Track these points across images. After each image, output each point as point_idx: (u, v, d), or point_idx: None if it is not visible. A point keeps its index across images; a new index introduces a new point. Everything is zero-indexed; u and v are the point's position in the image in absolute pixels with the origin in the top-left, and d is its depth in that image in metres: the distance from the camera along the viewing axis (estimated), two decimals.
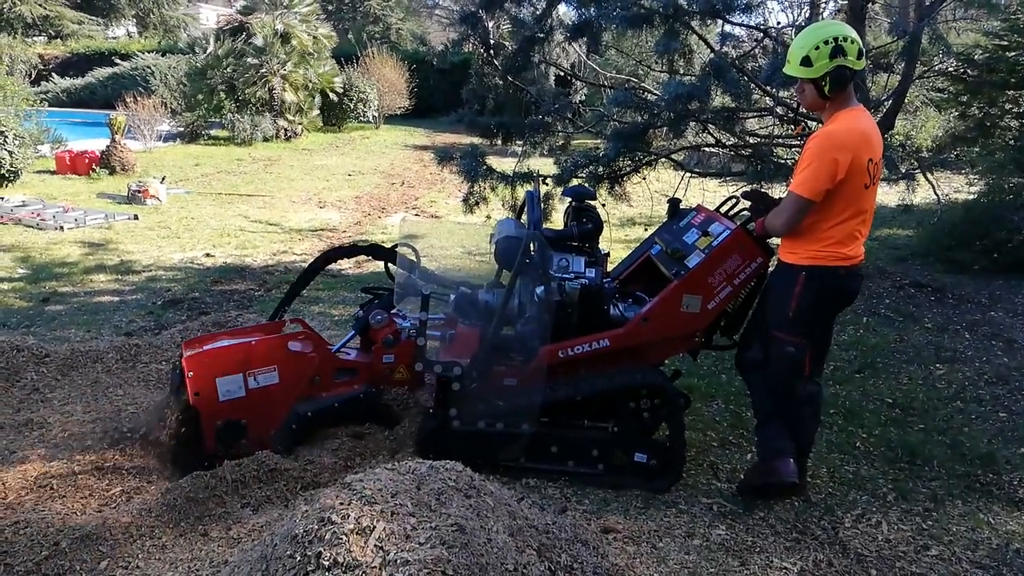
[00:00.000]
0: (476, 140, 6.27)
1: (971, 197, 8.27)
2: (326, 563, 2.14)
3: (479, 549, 2.26)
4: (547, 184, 5.44)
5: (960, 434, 3.95)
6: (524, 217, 3.85)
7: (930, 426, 4.05)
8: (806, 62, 2.96)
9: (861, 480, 3.50)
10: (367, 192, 12.21)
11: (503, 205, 5.68)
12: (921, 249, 7.72)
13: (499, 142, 5.50)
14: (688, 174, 5.80)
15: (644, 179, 5.36)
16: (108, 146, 11.74)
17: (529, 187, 4.47)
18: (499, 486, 2.76)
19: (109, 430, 3.28)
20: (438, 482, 2.52)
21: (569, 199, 3.54)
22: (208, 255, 7.23)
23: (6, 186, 9.94)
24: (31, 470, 2.99)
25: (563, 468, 3.36)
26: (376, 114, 20.57)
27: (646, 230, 8.78)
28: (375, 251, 3.78)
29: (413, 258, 3.70)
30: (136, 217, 8.70)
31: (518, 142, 5.95)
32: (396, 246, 3.78)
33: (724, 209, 3.67)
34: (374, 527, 2.23)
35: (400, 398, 3.80)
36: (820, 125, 3.14)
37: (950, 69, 7.10)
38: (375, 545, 2.18)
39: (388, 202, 11.47)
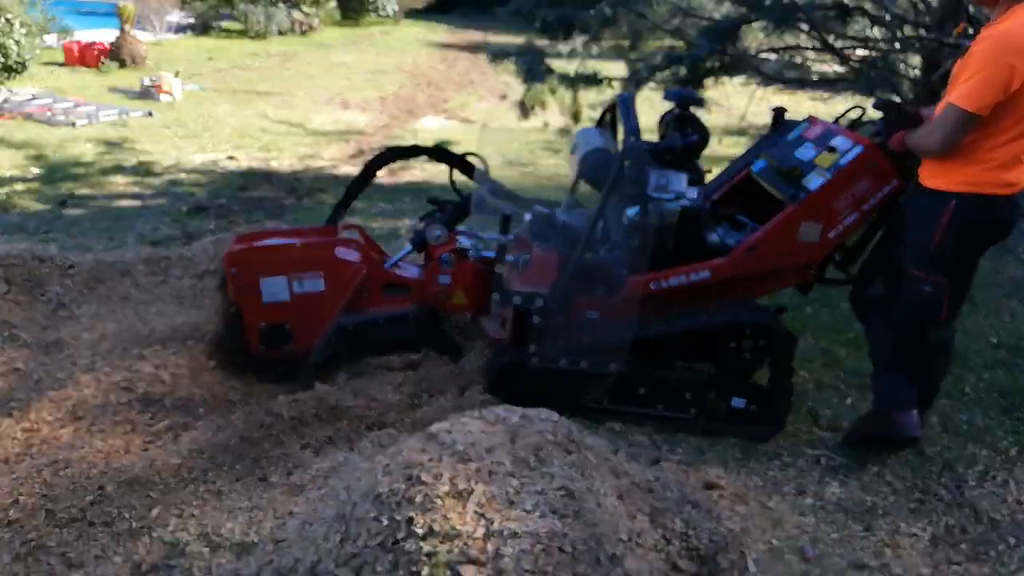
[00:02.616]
0: (508, 38, 5.67)
1: None
2: (419, 531, 1.82)
3: (591, 518, 1.93)
4: (612, 87, 4.89)
5: None
6: (613, 127, 3.38)
7: None
8: None
9: (977, 431, 3.16)
10: (392, 93, 11.55)
11: (561, 112, 5.14)
12: None
13: (560, 38, 4.89)
14: (764, 84, 5.21)
15: (723, 85, 4.79)
16: (118, 37, 11.04)
17: (614, 90, 3.94)
18: (596, 437, 2.42)
19: (147, 354, 2.94)
20: (534, 435, 2.17)
21: (673, 103, 3.04)
22: (231, 158, 6.75)
23: (14, 78, 9.34)
24: (64, 399, 2.68)
25: (651, 412, 3.02)
26: (396, 7, 19.45)
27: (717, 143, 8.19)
28: (440, 154, 3.32)
29: (483, 169, 3.26)
30: (151, 114, 8.18)
31: (570, 40, 5.32)
32: (466, 155, 3.33)
33: (843, 122, 3.18)
34: (472, 490, 1.90)
35: (463, 326, 3.44)
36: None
37: None
38: (475, 512, 1.86)
39: (416, 104, 10.83)
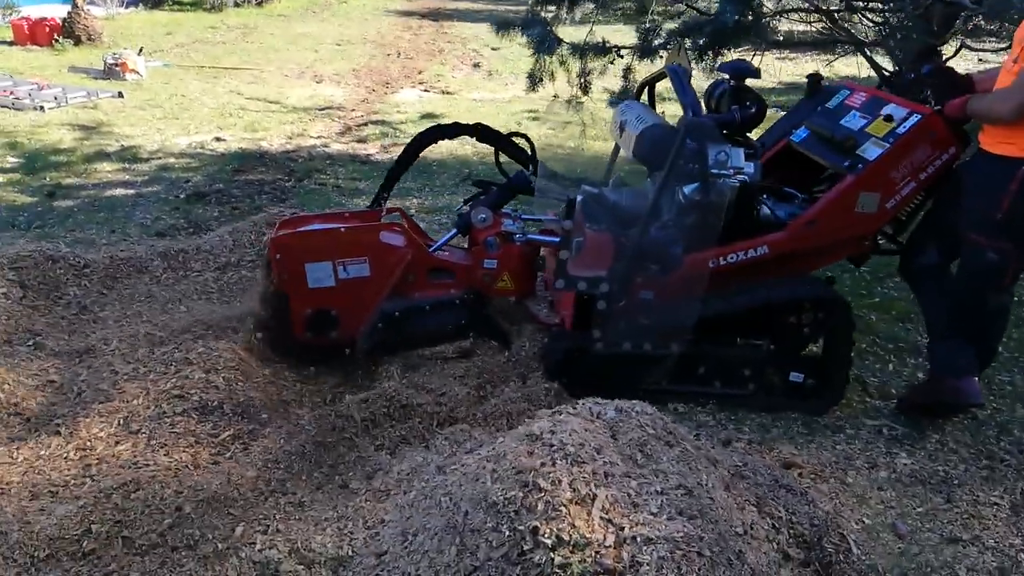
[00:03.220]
0: (468, 4, 5.48)
1: None
2: (547, 541, 1.75)
3: (713, 515, 1.89)
4: (622, 56, 4.77)
5: None
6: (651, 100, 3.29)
7: None
8: None
9: (1020, 392, 3.21)
10: (364, 65, 11.21)
11: (569, 82, 4.99)
12: None
13: (565, 6, 4.71)
14: (767, 50, 5.14)
15: (730, 51, 4.70)
16: (70, 12, 10.42)
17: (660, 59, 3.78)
18: (682, 426, 2.38)
19: (192, 357, 2.77)
20: (635, 430, 2.12)
21: (726, 76, 2.96)
22: (218, 139, 6.46)
23: None
24: (113, 412, 2.51)
25: (710, 390, 3.00)
26: None
27: None
28: (483, 134, 3.20)
29: (527, 148, 3.15)
30: (121, 95, 7.76)
31: (575, 8, 5.15)
32: (512, 135, 3.21)
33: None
34: (595, 495, 1.83)
35: (505, 310, 3.34)
36: None
37: None
38: (601, 518, 1.80)
39: (390, 76, 10.53)
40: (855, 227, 2.88)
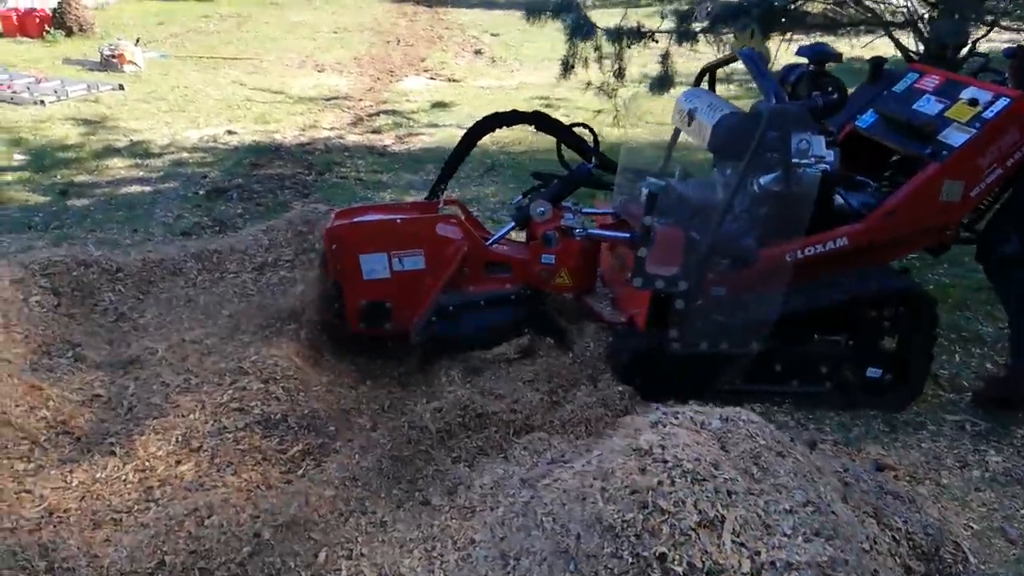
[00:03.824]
0: None
1: None
2: (678, 568, 1.62)
3: (843, 532, 1.77)
4: (656, 42, 4.61)
5: None
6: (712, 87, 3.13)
7: None
8: None
9: None
10: (364, 53, 10.96)
11: (601, 69, 4.82)
12: None
13: None
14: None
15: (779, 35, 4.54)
16: (60, 2, 10.10)
17: (736, 44, 3.63)
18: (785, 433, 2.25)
19: (247, 366, 2.61)
20: (745, 440, 1.99)
21: (806, 60, 2.81)
22: (230, 132, 6.25)
23: None
24: (170, 428, 2.35)
25: (787, 389, 2.88)
26: None
27: None
28: (543, 122, 3.05)
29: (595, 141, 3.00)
30: (122, 87, 7.51)
31: None
32: (574, 125, 3.05)
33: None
34: (723, 516, 1.70)
35: (564, 307, 3.20)
36: None
37: None
38: (733, 542, 1.67)
39: (392, 64, 10.29)
40: (938, 216, 2.76)
